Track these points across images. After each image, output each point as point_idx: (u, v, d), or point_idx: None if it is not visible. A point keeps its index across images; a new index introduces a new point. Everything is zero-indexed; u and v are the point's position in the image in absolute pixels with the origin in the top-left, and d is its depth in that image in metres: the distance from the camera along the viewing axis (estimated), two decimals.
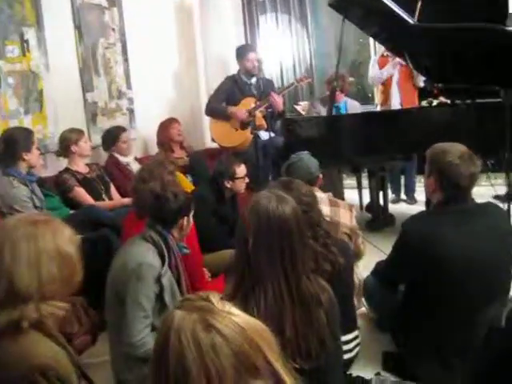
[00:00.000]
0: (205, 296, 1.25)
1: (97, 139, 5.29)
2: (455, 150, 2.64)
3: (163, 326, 1.22)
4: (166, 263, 2.71)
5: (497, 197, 5.76)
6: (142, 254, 2.67)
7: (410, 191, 6.61)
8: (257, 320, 1.26)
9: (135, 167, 5.04)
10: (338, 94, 5.84)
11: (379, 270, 2.96)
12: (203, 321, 1.17)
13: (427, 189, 2.80)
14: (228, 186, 4.13)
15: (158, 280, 2.64)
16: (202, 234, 3.56)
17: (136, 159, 5.29)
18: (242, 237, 1.96)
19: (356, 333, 2.92)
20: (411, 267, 2.62)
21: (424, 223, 2.62)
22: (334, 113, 5.71)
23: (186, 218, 2.84)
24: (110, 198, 4.77)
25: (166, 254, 2.73)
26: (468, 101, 4.97)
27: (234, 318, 1.21)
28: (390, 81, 6.31)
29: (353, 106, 6.17)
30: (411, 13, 4.77)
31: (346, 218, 3.38)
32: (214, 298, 1.25)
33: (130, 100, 5.90)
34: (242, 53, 6.05)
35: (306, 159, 3.61)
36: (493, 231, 2.62)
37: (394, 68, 6.22)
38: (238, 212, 4.25)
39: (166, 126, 5.66)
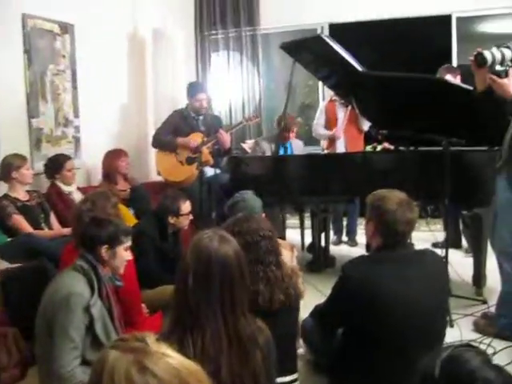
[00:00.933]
0: (140, 337, 1.23)
1: (40, 166, 5.19)
2: (393, 196, 2.71)
3: (97, 365, 1.19)
4: (96, 293, 2.67)
5: (435, 244, 5.88)
6: (71, 283, 2.65)
7: (352, 233, 6.68)
8: (192, 362, 1.25)
9: (77, 197, 4.96)
10: (287, 135, 5.94)
11: (317, 312, 2.97)
12: (138, 362, 1.15)
13: (367, 233, 2.86)
14: (172, 221, 4.10)
15: (87, 310, 2.60)
16: (141, 269, 3.52)
17: (78, 189, 5.20)
18: (182, 276, 1.94)
19: (296, 375, 2.91)
20: (349, 311, 2.64)
21: (363, 268, 2.65)
22: (281, 153, 5.79)
23: (105, 247, 2.78)
24: (50, 227, 4.68)
25: (96, 285, 2.69)
26: (411, 148, 5.10)
27: (168, 359, 1.19)
28: (335, 125, 6.42)
29: (297, 146, 6.26)
30: (360, 60, 4.90)
31: (287, 258, 3.39)
32: (150, 338, 1.23)
33: (77, 128, 5.82)
34: (191, 91, 6.09)
35: (250, 198, 3.63)
36: (430, 279, 2.67)
37: (330, 139, 6.38)
38: (180, 248, 4.23)
39: (114, 157, 5.55)
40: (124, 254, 2.88)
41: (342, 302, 2.66)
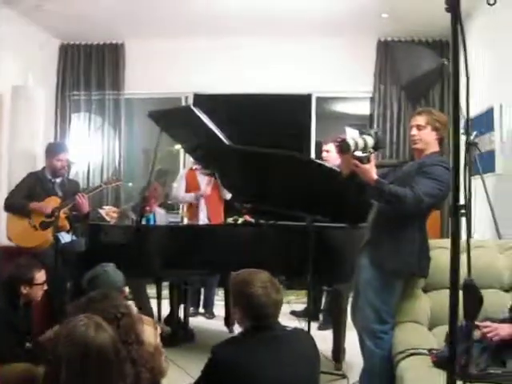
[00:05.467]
0: None
1: None
2: (257, 279, 2.67)
3: None
4: None
5: (293, 312, 5.95)
6: None
7: (209, 305, 6.60)
8: None
9: None
10: (147, 206, 5.81)
11: None
12: None
13: (234, 318, 2.79)
14: (24, 291, 3.80)
15: None
16: None
17: None
18: (53, 368, 1.77)
19: None
20: None
21: (234, 350, 2.57)
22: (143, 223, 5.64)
23: None
24: None
25: None
26: (272, 221, 5.15)
27: None
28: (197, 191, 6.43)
29: (161, 216, 6.15)
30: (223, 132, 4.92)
31: (151, 336, 3.24)
32: None
33: None
34: (53, 151, 5.78)
35: (112, 272, 3.49)
36: (301, 359, 2.66)
37: (197, 199, 6.38)
38: (31, 321, 3.95)
39: None
40: None
41: None
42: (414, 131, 3.72)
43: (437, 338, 3.65)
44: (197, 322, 6.26)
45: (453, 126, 1.97)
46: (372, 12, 6.61)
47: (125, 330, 2.58)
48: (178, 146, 9.02)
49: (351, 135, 3.52)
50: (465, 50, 1.90)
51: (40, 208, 5.45)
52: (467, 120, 2.26)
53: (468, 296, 2.03)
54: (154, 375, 2.63)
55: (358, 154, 3.44)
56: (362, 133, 3.58)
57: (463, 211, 1.90)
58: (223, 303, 6.15)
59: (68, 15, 6.94)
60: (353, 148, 3.42)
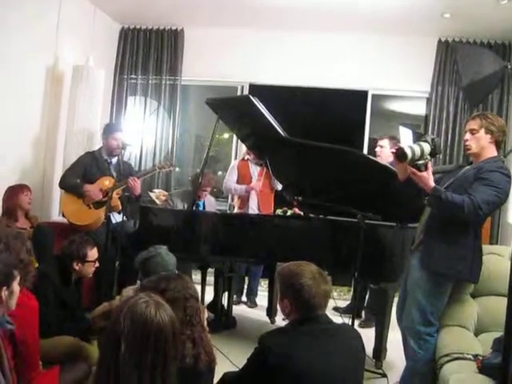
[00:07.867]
0: None
1: None
2: (306, 270, 2.68)
3: None
4: None
5: (336, 309, 5.94)
6: None
7: (252, 294, 6.65)
8: None
9: None
10: (202, 193, 5.88)
11: (229, 381, 2.86)
12: None
13: (283, 311, 2.79)
14: (76, 268, 3.89)
15: None
16: (39, 317, 3.29)
17: None
18: (113, 340, 1.82)
19: None
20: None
21: (282, 341, 2.57)
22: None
23: (4, 289, 2.53)
24: None
25: None
26: (321, 216, 5.15)
27: None
28: (249, 182, 6.49)
29: (210, 202, 6.20)
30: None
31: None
32: None
33: None
34: (110, 130, 5.91)
35: (165, 254, 3.54)
36: (349, 351, 2.66)
37: (247, 191, 6.41)
38: (81, 298, 4.04)
39: (16, 192, 5.27)
40: (17, 289, 2.64)
41: (260, 375, 2.56)
42: (468, 136, 3.67)
43: (482, 345, 3.63)
44: (239, 310, 6.32)
45: None
46: (434, 11, 6.51)
47: (191, 311, 2.68)
48: (227, 135, 9.12)
49: (406, 138, 3.48)
50: None
51: (92, 193, 5.55)
52: None
53: None
54: (210, 360, 2.69)
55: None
56: (419, 137, 3.54)
57: None
58: (266, 294, 6.19)
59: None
60: (410, 157, 3.39)
